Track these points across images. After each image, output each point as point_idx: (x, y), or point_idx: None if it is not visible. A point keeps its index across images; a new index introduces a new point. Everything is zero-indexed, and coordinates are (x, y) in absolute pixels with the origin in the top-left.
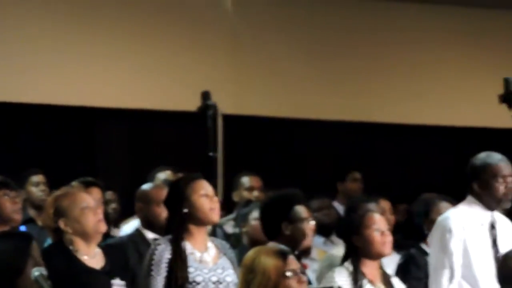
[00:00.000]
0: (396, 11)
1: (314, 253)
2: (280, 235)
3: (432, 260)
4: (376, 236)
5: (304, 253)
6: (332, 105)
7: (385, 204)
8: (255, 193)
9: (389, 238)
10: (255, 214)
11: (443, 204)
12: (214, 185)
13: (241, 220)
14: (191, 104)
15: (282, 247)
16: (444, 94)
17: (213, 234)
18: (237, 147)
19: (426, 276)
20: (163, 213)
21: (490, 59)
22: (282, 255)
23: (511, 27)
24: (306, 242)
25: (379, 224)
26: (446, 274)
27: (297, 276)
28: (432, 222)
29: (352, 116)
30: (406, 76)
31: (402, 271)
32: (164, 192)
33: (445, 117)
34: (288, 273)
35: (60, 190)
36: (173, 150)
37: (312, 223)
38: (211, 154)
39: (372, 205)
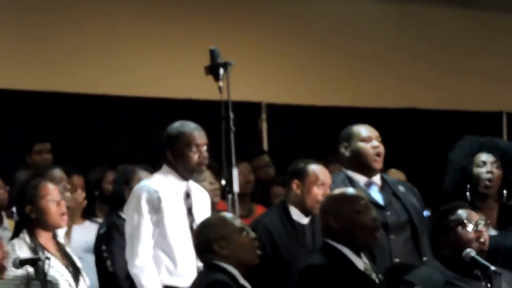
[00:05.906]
0: None
1: (6, 223)
2: None
3: (128, 229)
4: (52, 206)
5: None
6: (29, 75)
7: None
8: None
9: (64, 209)
10: None
11: (144, 174)
12: None
13: None
14: None
15: None
16: (149, 66)
17: None
18: None
19: None
20: None
21: (195, 30)
22: None
23: None
24: None
25: (54, 195)
26: (141, 243)
27: None
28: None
29: (46, 86)
30: (110, 47)
31: (106, 240)
32: None
33: (151, 89)
34: None
35: None
36: None
37: None
38: None
39: (55, 173)
